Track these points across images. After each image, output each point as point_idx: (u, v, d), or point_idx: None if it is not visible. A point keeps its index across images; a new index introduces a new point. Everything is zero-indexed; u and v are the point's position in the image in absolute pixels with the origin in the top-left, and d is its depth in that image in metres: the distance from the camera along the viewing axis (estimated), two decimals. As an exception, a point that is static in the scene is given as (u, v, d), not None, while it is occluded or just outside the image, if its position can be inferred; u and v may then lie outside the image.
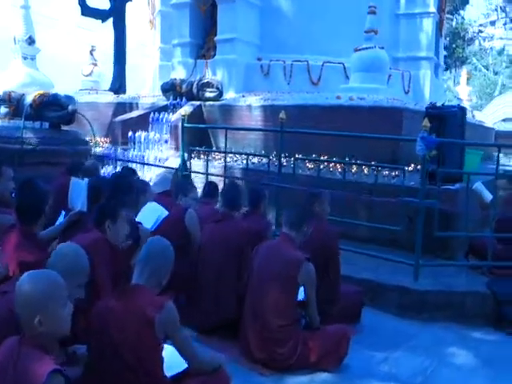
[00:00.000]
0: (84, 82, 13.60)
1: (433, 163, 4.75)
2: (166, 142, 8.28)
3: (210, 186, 4.72)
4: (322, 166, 6.15)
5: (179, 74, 10.61)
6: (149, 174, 7.19)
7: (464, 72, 16.91)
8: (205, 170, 6.38)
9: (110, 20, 16.70)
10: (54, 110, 5.87)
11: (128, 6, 16.90)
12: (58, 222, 3.75)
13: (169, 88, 9.24)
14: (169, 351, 2.41)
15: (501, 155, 5.12)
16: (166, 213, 4.06)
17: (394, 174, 5.81)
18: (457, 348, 3.68)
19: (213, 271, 3.64)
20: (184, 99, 8.84)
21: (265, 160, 6.39)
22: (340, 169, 6.10)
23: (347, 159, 6.01)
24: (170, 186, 5.71)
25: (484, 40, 34.56)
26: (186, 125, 6.49)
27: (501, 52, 33.19)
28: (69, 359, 2.28)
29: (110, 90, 14.63)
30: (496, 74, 31.22)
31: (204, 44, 11.05)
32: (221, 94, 8.74)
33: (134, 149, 8.44)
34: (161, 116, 8.62)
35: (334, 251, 3.76)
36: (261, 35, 10.51)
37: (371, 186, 5.46)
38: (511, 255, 4.59)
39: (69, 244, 2.51)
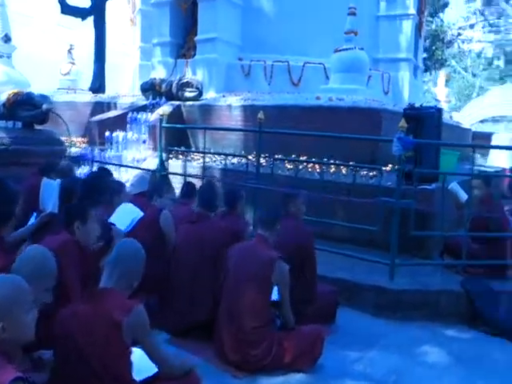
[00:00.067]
0: (62, 81, 13.43)
1: (409, 163, 4.78)
2: (145, 142, 8.20)
3: (187, 187, 4.70)
4: (300, 167, 6.17)
5: (159, 73, 10.53)
6: (126, 175, 7.11)
7: (442, 74, 17.18)
8: (183, 171, 6.33)
9: (91, 18, 16.49)
10: (27, 109, 5.74)
11: (108, 4, 16.71)
12: (29, 224, 3.67)
13: (148, 87, 9.16)
14: (138, 355, 2.37)
15: (478, 156, 5.21)
16: (141, 214, 4.01)
17: (372, 174, 5.85)
18: (430, 346, 3.71)
19: (188, 272, 3.61)
20: (163, 99, 8.76)
21: (244, 160, 6.37)
22: (319, 169, 6.12)
23: (326, 159, 6.02)
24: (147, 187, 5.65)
25: (463, 43, 35.08)
26: (164, 125, 6.44)
27: (479, 55, 33.88)
28: (34, 365, 2.24)
29: (90, 89, 14.44)
30: (474, 76, 31.80)
31: (184, 43, 10.98)
32: (201, 93, 8.69)
33: (112, 149, 8.34)
34: (139, 116, 8.53)
35: (310, 251, 3.76)
36: (242, 35, 10.49)
37: (349, 186, 5.49)
38: (485, 254, 4.66)
39: (35, 247, 2.46)
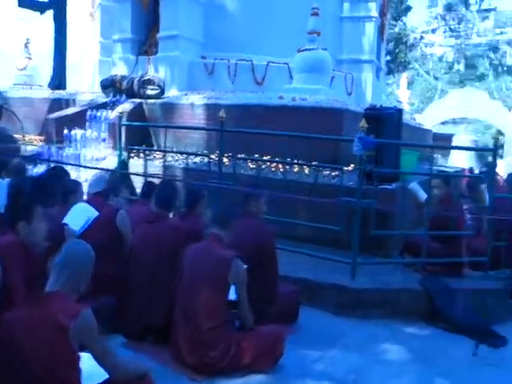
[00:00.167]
0: (18, 76, 12.89)
1: (370, 163, 4.82)
2: (104, 140, 7.97)
3: (148, 186, 4.60)
4: (263, 166, 6.12)
5: (120, 70, 10.26)
6: (84, 174, 6.87)
7: (404, 76, 17.59)
8: (144, 170, 6.18)
9: (50, 12, 15.94)
10: (-23, 104, 5.48)
11: (69, -3, 16.20)
12: (-25, 224, 3.47)
13: (108, 84, 8.90)
14: (88, 361, 2.26)
15: (439, 156, 5.31)
16: (96, 214, 3.87)
17: (334, 174, 5.87)
18: (390, 344, 3.74)
19: (145, 272, 3.51)
20: (124, 96, 8.54)
21: (206, 160, 6.28)
22: (282, 169, 6.09)
23: (289, 159, 6.00)
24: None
25: (426, 46, 36.14)
26: (123, 123, 6.27)
27: (441, 58, 35.00)
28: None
29: (50, 85, 13.94)
30: (436, 79, 32.78)
31: (146, 40, 10.74)
32: (162, 91, 8.52)
33: (70, 147, 8.06)
34: (99, 113, 8.27)
35: (270, 250, 3.71)
36: (205, 33, 10.35)
37: (312, 185, 5.48)
38: (444, 252, 4.74)
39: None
